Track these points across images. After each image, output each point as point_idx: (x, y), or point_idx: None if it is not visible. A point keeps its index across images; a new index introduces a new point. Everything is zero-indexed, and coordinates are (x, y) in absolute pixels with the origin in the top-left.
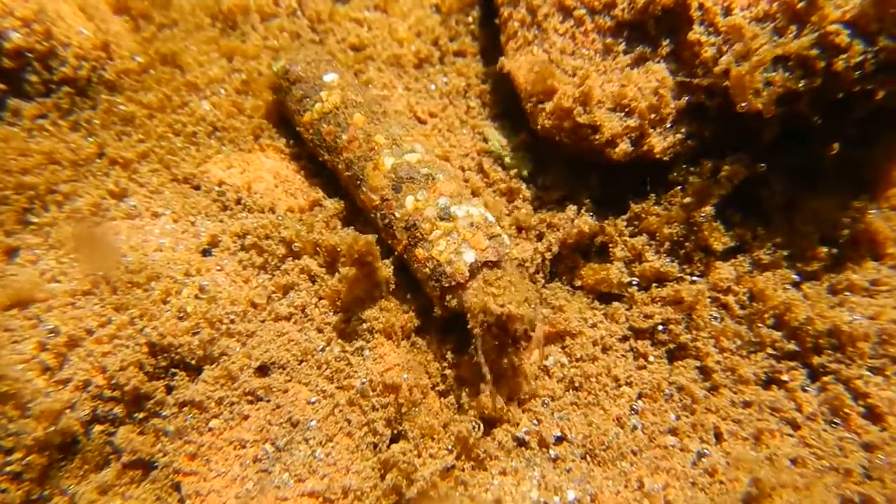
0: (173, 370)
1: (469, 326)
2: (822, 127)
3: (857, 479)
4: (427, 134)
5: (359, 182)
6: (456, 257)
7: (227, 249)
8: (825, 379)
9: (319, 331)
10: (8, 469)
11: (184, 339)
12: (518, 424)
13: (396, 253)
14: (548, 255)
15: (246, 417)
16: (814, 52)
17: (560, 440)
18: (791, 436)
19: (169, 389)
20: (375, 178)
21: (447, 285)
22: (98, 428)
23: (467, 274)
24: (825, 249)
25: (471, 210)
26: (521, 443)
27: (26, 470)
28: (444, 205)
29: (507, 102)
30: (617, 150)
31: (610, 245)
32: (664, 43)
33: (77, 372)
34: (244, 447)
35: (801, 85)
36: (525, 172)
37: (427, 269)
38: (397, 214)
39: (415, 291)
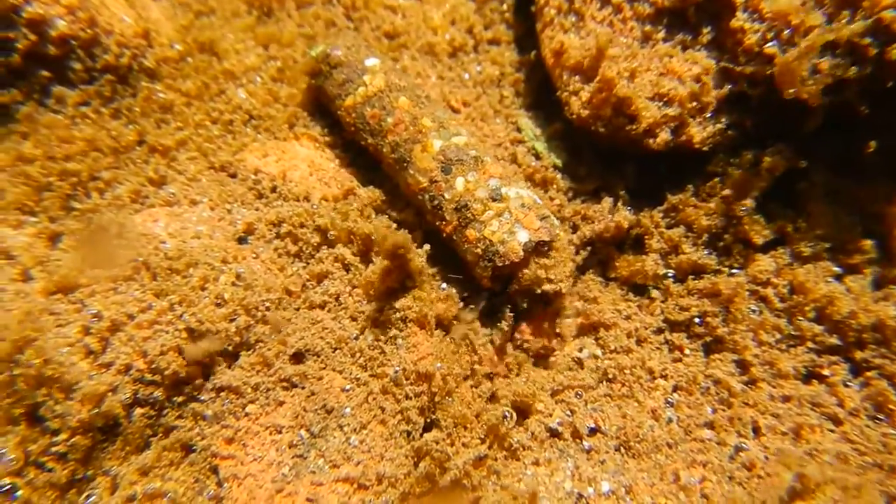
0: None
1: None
2: (868, 116)
3: None
4: (460, 123)
5: (406, 164)
6: (509, 237)
7: (263, 237)
8: (868, 374)
9: (353, 319)
10: (54, 449)
11: (221, 325)
12: (552, 415)
13: (444, 235)
14: (582, 252)
15: (281, 403)
16: (866, 39)
17: (594, 431)
18: (832, 431)
19: (206, 375)
20: (424, 159)
21: (501, 264)
22: (139, 411)
23: (521, 253)
24: (869, 242)
25: (521, 192)
26: (555, 433)
27: (71, 450)
28: (495, 186)
29: (541, 92)
30: (657, 139)
31: (646, 237)
32: (705, 30)
33: (119, 356)
34: (280, 432)
35: (851, 73)
36: (559, 163)
37: (478, 250)
38: (447, 196)
39: (450, 281)
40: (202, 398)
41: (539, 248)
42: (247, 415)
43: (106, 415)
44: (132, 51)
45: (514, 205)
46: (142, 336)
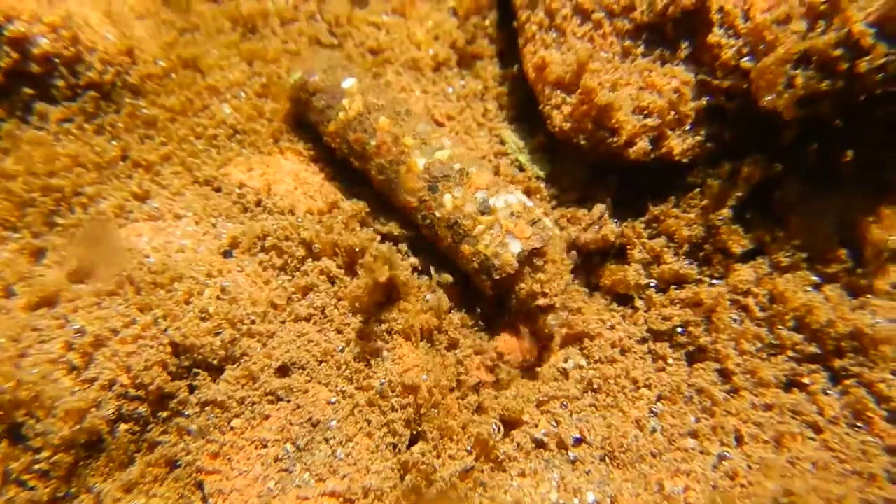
0: (196, 370)
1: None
2: (842, 128)
3: (881, 483)
4: (444, 135)
5: (394, 186)
6: (502, 249)
7: (248, 251)
8: (847, 382)
9: (339, 332)
10: (36, 467)
11: (206, 339)
12: (537, 425)
13: (441, 249)
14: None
15: (267, 417)
16: (837, 52)
17: (579, 442)
18: (813, 439)
19: (191, 389)
20: (410, 180)
21: (498, 277)
22: (123, 426)
23: (516, 264)
24: (845, 251)
25: (508, 199)
26: (540, 444)
27: (53, 468)
28: (482, 198)
29: (524, 105)
30: (636, 148)
31: (628, 247)
32: (683, 45)
33: (103, 371)
34: (265, 447)
35: (824, 85)
36: (542, 174)
37: (475, 265)
38: (438, 214)
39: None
40: (187, 413)
41: (533, 255)
42: (232, 429)
43: (89, 431)
44: (116, 68)
45: (503, 215)
46: (126, 351)
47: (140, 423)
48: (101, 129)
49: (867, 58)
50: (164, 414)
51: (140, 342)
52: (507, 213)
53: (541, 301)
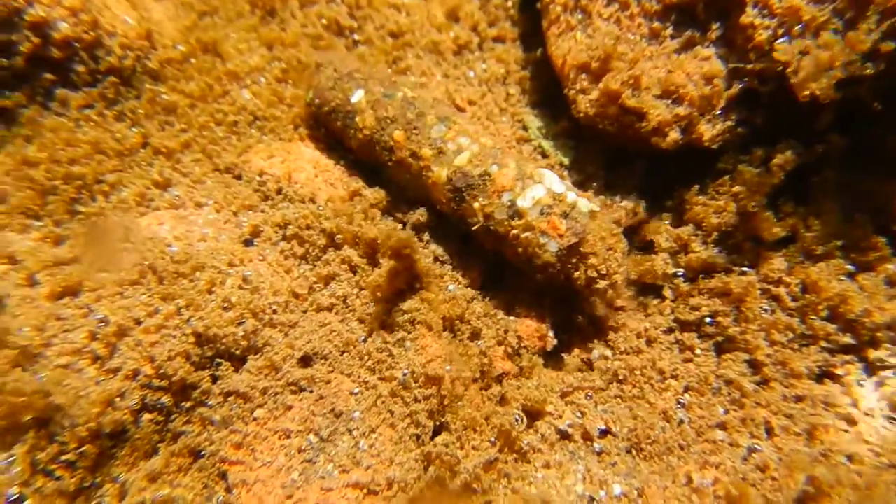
0: (218, 360)
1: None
2: (881, 112)
3: None
4: (461, 128)
5: (424, 192)
6: (540, 251)
7: (269, 240)
8: (883, 373)
9: (361, 321)
10: (63, 458)
11: (228, 329)
12: (562, 417)
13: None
14: None
15: (290, 408)
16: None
17: (604, 433)
18: (846, 431)
19: (214, 379)
20: (437, 190)
21: (546, 273)
22: (147, 417)
23: (558, 264)
24: (882, 239)
25: (535, 193)
26: (565, 435)
27: (80, 458)
28: (508, 202)
29: (547, 89)
30: (667, 139)
31: (654, 235)
32: (714, 27)
33: (126, 361)
34: (289, 437)
35: (867, 70)
36: (566, 161)
37: (522, 262)
38: (471, 221)
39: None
40: (210, 403)
41: (573, 249)
42: (255, 419)
43: (114, 421)
44: (135, 52)
45: (533, 216)
46: (149, 341)
47: (164, 414)
48: (121, 115)
49: None
50: (188, 404)
51: (163, 332)
52: (537, 212)
53: (601, 284)
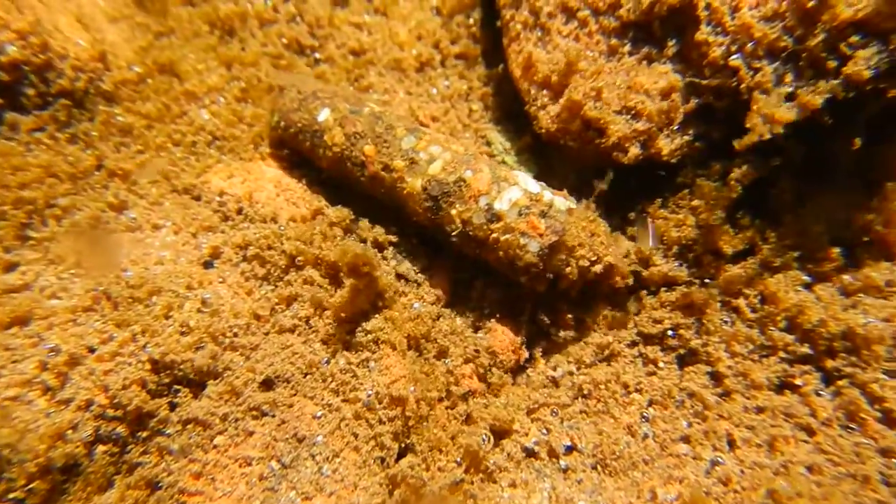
0: (176, 387)
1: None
2: (832, 126)
3: (875, 485)
4: (431, 138)
5: (401, 205)
6: (521, 251)
7: (230, 261)
8: (840, 383)
9: (324, 342)
10: (11, 496)
11: (186, 354)
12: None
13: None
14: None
15: (251, 434)
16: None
17: (570, 450)
18: (806, 442)
19: (172, 407)
20: (412, 201)
21: (529, 274)
22: (101, 448)
23: (541, 264)
24: (837, 250)
25: (512, 196)
26: (531, 453)
27: (28, 496)
28: (485, 206)
29: (509, 105)
30: (628, 154)
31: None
32: (670, 43)
33: (79, 391)
34: (250, 465)
35: (820, 86)
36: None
37: (505, 266)
38: (450, 230)
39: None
40: (168, 432)
41: (556, 247)
42: (215, 447)
43: (66, 454)
44: (88, 74)
45: (512, 218)
46: (103, 369)
47: (119, 445)
48: (74, 138)
49: (856, 56)
50: (144, 434)
51: (118, 360)
52: (515, 213)
53: (596, 268)
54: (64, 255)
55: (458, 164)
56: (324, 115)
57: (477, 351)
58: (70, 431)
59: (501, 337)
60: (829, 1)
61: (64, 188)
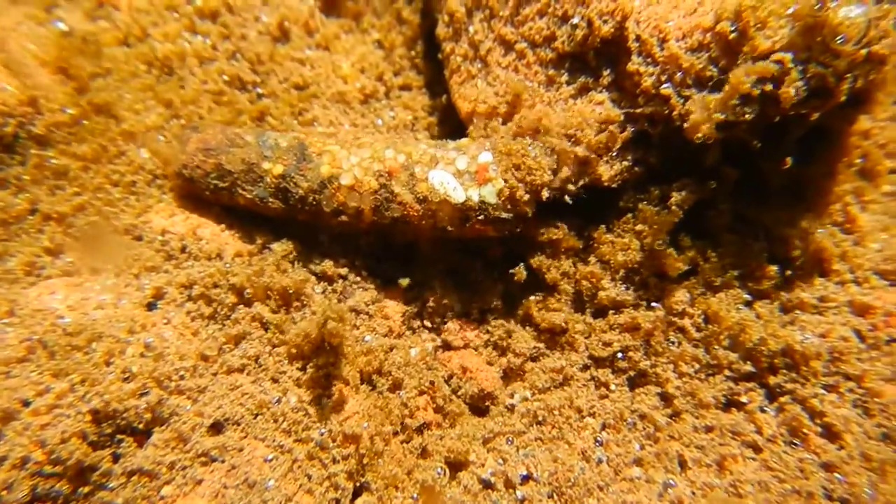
0: (119, 436)
1: None
2: (761, 148)
3: (819, 501)
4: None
5: (351, 220)
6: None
7: (174, 301)
8: (782, 399)
9: (275, 381)
10: None
11: (130, 402)
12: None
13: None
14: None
15: (200, 482)
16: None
17: (526, 479)
18: (753, 459)
19: (116, 458)
20: (360, 203)
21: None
22: None
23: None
24: (774, 268)
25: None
26: (488, 485)
27: None
28: (431, 177)
29: (454, 135)
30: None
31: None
32: (605, 73)
33: (13, 448)
34: None
35: (746, 115)
36: None
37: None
38: (407, 212)
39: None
40: (111, 486)
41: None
42: (162, 499)
43: None
44: (18, 119)
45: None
46: (39, 424)
47: (58, 502)
48: (4, 182)
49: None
50: (86, 489)
51: (55, 412)
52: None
53: (545, 193)
54: None
55: (379, 151)
56: (252, 157)
57: (433, 383)
58: (4, 492)
59: (473, 357)
60: (749, 33)
61: None
